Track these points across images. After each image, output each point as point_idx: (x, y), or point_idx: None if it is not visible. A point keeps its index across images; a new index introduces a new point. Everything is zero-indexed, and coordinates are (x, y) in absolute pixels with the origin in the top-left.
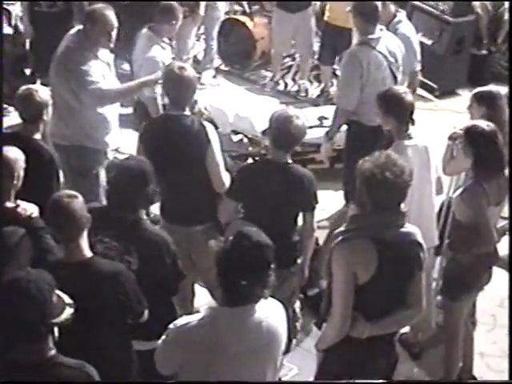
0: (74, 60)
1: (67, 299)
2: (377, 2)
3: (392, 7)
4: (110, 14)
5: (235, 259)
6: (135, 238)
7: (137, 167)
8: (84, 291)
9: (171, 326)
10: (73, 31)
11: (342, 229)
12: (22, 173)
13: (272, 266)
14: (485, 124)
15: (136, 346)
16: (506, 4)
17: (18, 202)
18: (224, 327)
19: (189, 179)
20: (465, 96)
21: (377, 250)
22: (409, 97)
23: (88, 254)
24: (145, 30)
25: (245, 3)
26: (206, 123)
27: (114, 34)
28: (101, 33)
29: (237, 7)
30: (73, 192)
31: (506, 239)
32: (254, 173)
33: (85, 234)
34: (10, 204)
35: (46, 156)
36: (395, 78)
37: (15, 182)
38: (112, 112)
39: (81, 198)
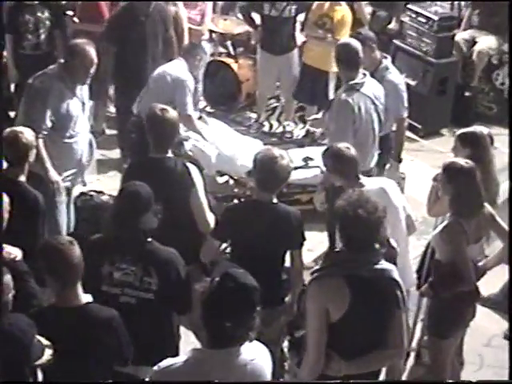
0: (37, 86)
1: (44, 341)
2: (358, 47)
3: (378, 53)
4: (91, 50)
5: (220, 300)
6: (153, 258)
7: (143, 191)
8: (80, 336)
9: (155, 368)
10: (53, 66)
11: (317, 267)
12: (6, 215)
13: (257, 308)
14: (463, 161)
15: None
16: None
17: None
18: (209, 369)
19: (173, 221)
20: (449, 136)
21: (349, 287)
22: (349, 152)
23: (83, 299)
24: (179, 58)
25: (229, 45)
26: (189, 165)
27: (92, 70)
28: (79, 67)
29: (222, 49)
30: (69, 238)
31: (493, 279)
32: (240, 213)
33: (80, 279)
34: None
35: (31, 199)
36: (380, 121)
37: None
38: (68, 149)
39: (76, 243)
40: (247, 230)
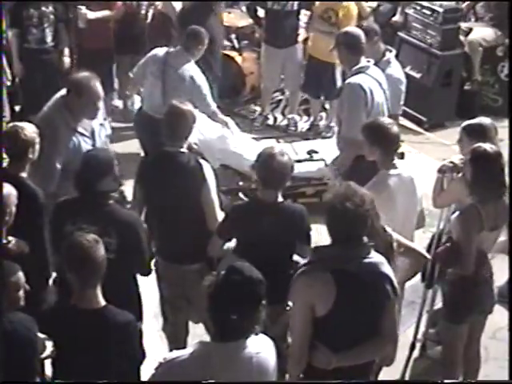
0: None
1: (40, 334)
2: (360, 33)
3: (382, 45)
4: (97, 85)
5: (226, 293)
6: (112, 219)
7: (103, 156)
8: (95, 339)
9: (161, 360)
10: (57, 97)
11: (305, 261)
12: (14, 209)
13: (263, 301)
14: (488, 146)
15: None
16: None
17: (10, 238)
18: (214, 362)
19: (184, 217)
20: (454, 129)
21: (335, 282)
22: (394, 128)
23: (102, 302)
24: (179, 48)
25: (234, 38)
26: (202, 161)
27: (99, 104)
28: (86, 105)
29: (226, 42)
30: (95, 236)
31: (499, 272)
32: (244, 213)
33: (101, 281)
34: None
35: (31, 194)
36: (388, 108)
37: (7, 218)
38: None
39: (101, 242)
40: (251, 230)
